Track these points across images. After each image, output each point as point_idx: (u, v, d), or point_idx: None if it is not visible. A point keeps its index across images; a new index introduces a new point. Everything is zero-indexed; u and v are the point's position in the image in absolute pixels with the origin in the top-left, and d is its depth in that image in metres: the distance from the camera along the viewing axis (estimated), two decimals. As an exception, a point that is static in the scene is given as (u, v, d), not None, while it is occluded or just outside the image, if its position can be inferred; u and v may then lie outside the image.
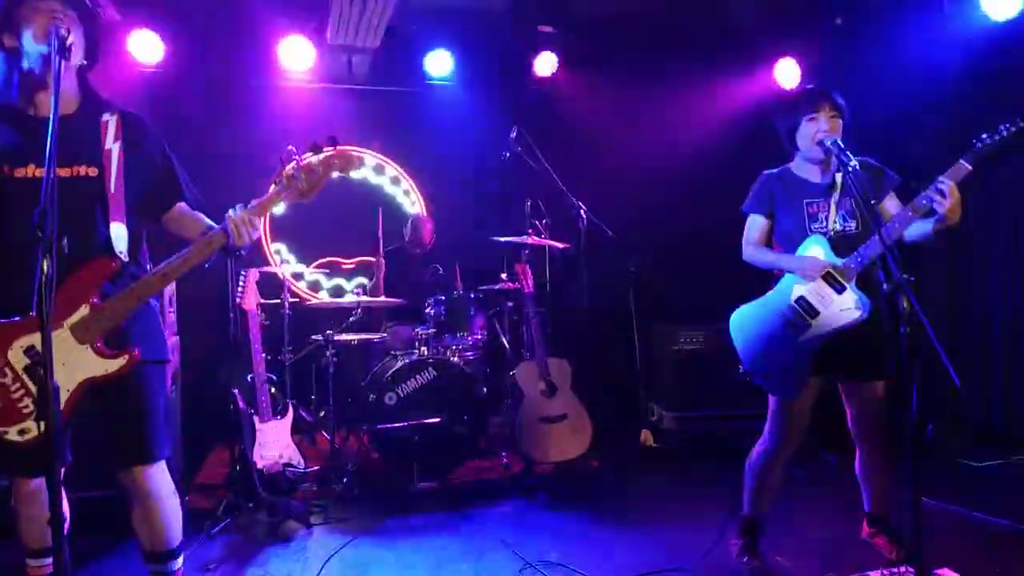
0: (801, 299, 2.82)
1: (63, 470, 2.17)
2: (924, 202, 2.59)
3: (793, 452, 2.99)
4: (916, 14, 4.96)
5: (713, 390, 5.08)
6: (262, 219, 2.27)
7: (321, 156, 2.27)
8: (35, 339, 2.04)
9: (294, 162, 2.25)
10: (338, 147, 2.31)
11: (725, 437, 4.94)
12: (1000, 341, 5.16)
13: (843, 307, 2.75)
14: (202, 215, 2.37)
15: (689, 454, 5.01)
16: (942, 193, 2.54)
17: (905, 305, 2.40)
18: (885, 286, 2.52)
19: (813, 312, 2.79)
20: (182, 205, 2.39)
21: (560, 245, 4.94)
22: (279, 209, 5.92)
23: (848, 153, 2.67)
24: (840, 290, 2.75)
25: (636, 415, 5.41)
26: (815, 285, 2.79)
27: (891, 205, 2.84)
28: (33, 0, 2.13)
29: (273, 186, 2.29)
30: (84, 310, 2.10)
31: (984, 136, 2.59)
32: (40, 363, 2.01)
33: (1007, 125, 2.57)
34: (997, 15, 4.52)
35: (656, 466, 4.85)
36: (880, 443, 2.90)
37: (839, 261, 2.77)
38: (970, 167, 2.58)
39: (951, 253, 5.42)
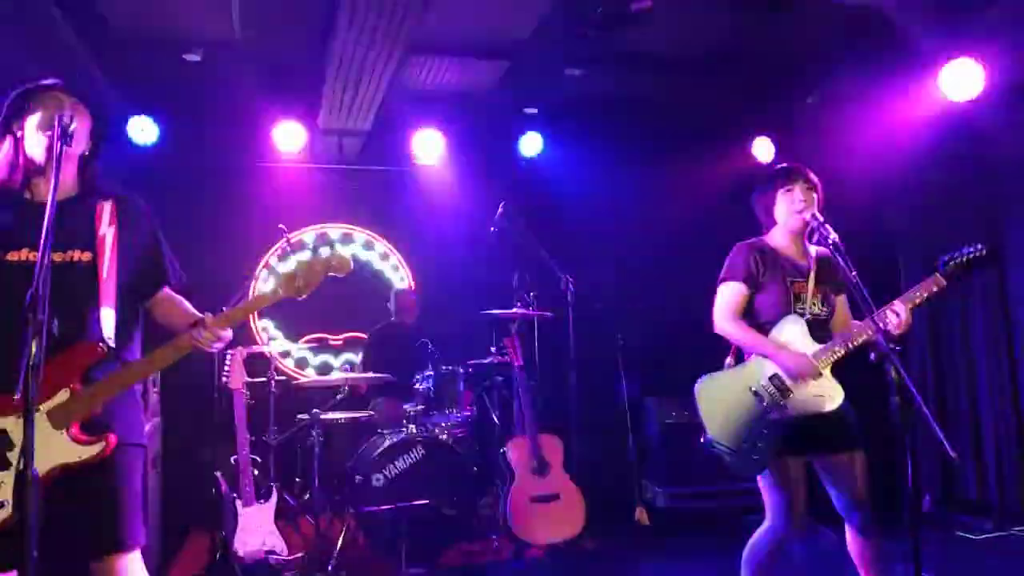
0: (775, 377, 2.80)
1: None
2: (880, 317, 2.63)
3: (791, 537, 2.90)
4: (883, 95, 5.15)
5: (706, 465, 4.99)
6: (251, 314, 2.28)
7: (322, 259, 2.31)
8: (7, 423, 2.00)
9: (283, 242, 2.28)
10: (336, 248, 2.36)
11: (721, 514, 4.85)
12: (989, 408, 5.15)
13: (816, 393, 2.75)
14: (186, 303, 2.37)
15: (685, 532, 4.91)
16: (896, 314, 2.65)
17: (894, 375, 2.42)
18: (871, 356, 2.55)
19: (785, 393, 2.77)
20: (167, 290, 2.38)
21: (548, 315, 4.94)
22: (267, 286, 5.94)
23: (828, 227, 2.72)
24: (816, 376, 2.75)
25: (629, 492, 5.31)
26: (808, 357, 2.78)
27: (843, 303, 2.96)
28: (43, 92, 2.21)
29: (263, 286, 2.30)
30: (64, 395, 2.06)
31: (950, 256, 2.70)
32: (8, 448, 1.99)
33: (968, 250, 2.68)
34: (958, 97, 4.72)
35: (651, 545, 4.73)
36: (867, 515, 2.81)
37: (814, 349, 2.77)
38: (945, 280, 2.70)
39: (933, 321, 5.47)
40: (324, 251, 2.30)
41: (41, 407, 2.03)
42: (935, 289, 2.71)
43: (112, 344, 2.15)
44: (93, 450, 2.06)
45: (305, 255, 2.31)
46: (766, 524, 2.93)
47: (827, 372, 2.76)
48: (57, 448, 2.03)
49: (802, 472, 2.87)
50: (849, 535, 2.89)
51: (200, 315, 2.27)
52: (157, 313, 2.37)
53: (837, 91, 5.41)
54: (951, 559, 4.09)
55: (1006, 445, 4.99)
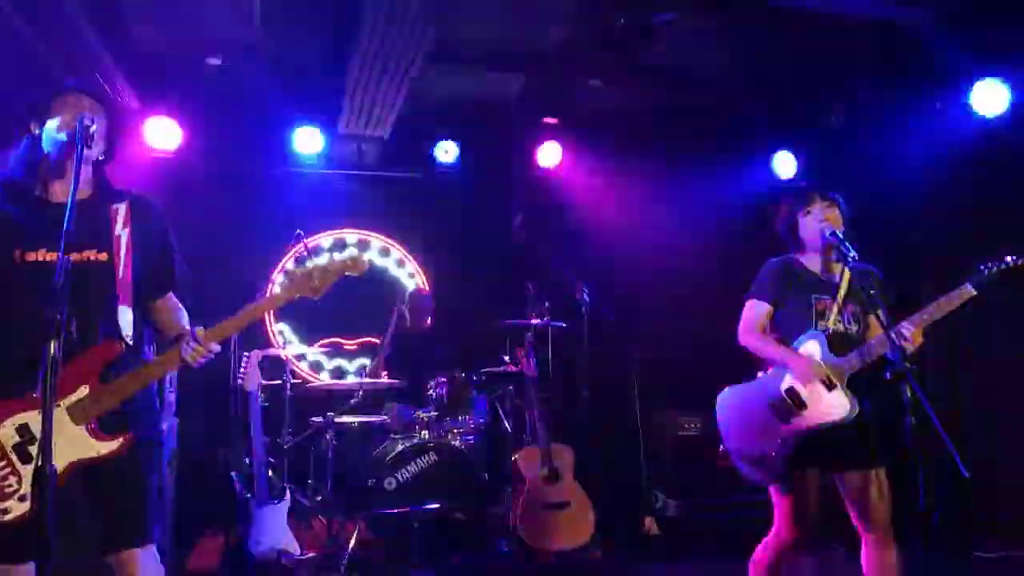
0: (791, 390, 2.83)
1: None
2: (892, 336, 2.64)
3: (802, 550, 2.92)
4: (910, 110, 5.12)
5: (716, 477, 4.98)
6: (266, 313, 2.30)
7: (337, 260, 2.33)
8: (29, 417, 2.04)
9: (300, 247, 2.30)
10: (351, 248, 2.37)
11: (730, 525, 4.82)
12: (1007, 426, 5.08)
13: (831, 406, 2.76)
14: (183, 316, 2.40)
15: (693, 542, 4.87)
16: (904, 337, 2.65)
17: (909, 394, 2.41)
18: (887, 374, 2.55)
19: (801, 405, 2.80)
20: (171, 296, 2.42)
21: (562, 325, 4.95)
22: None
23: (847, 245, 2.75)
24: (830, 388, 2.77)
25: (639, 502, 5.29)
26: (818, 362, 2.80)
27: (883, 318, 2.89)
28: (66, 93, 2.25)
29: (275, 288, 2.32)
30: (84, 391, 2.11)
31: (991, 263, 2.70)
32: (30, 442, 2.03)
33: (1017, 257, 2.69)
34: (986, 112, 4.68)
35: (660, 555, 4.72)
36: (885, 534, 2.81)
37: (834, 361, 2.78)
38: (974, 291, 2.69)
39: (952, 337, 5.41)
40: (342, 253, 2.30)
41: (61, 403, 2.08)
42: (958, 302, 2.69)
43: (130, 342, 2.19)
44: (111, 446, 2.11)
45: (322, 258, 2.33)
46: (773, 532, 2.94)
47: (841, 385, 2.76)
48: (76, 443, 2.08)
49: (815, 484, 2.87)
50: (864, 551, 2.87)
51: (187, 329, 2.28)
52: (158, 318, 2.40)
53: (862, 107, 5.38)
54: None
55: (1020, 465, 4.93)
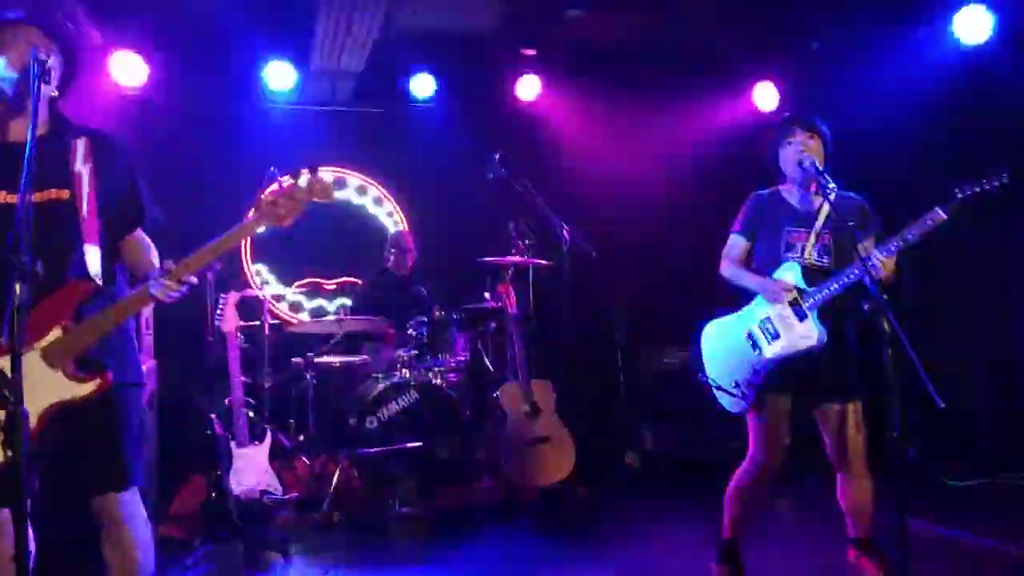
0: (767, 319, 2.90)
1: (29, 501, 2.13)
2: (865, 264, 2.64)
3: (774, 475, 2.98)
4: (891, 39, 5.05)
5: (697, 411, 5.06)
6: (240, 241, 2.23)
7: (302, 183, 2.23)
8: (1, 363, 1.99)
9: (275, 185, 2.21)
10: (318, 172, 2.27)
11: (711, 458, 4.91)
12: (983, 357, 5.19)
13: (802, 334, 2.82)
14: (154, 252, 2.33)
15: (674, 476, 4.98)
16: (874, 266, 2.64)
17: (886, 326, 2.43)
18: (865, 306, 2.57)
19: (775, 334, 2.87)
20: (139, 233, 2.34)
21: (543, 263, 4.92)
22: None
23: (826, 176, 2.74)
24: (802, 317, 2.81)
25: (621, 437, 5.38)
26: (780, 309, 2.87)
27: (869, 248, 2.88)
28: (12, 27, 2.12)
29: (251, 212, 2.23)
30: (57, 332, 2.06)
31: (965, 187, 2.66)
32: (4, 386, 1.97)
33: (991, 180, 2.63)
34: (969, 40, 4.62)
35: (641, 489, 4.82)
36: (860, 467, 2.88)
37: (807, 291, 2.82)
38: (945, 215, 2.66)
39: (929, 269, 5.46)
40: (304, 177, 2.20)
41: (36, 346, 2.03)
42: (931, 226, 2.66)
43: (99, 281, 2.13)
44: (89, 387, 2.06)
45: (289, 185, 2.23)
46: (747, 458, 3.01)
47: (813, 315, 2.80)
48: (53, 386, 2.04)
49: (786, 410, 2.93)
50: (840, 485, 2.94)
51: (155, 266, 2.22)
52: (127, 255, 2.33)
53: (844, 35, 5.29)
54: (938, 507, 4.16)
55: (996, 394, 5.06)
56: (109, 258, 2.23)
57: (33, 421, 1.97)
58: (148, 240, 2.35)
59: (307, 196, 2.22)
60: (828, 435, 2.91)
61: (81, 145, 2.21)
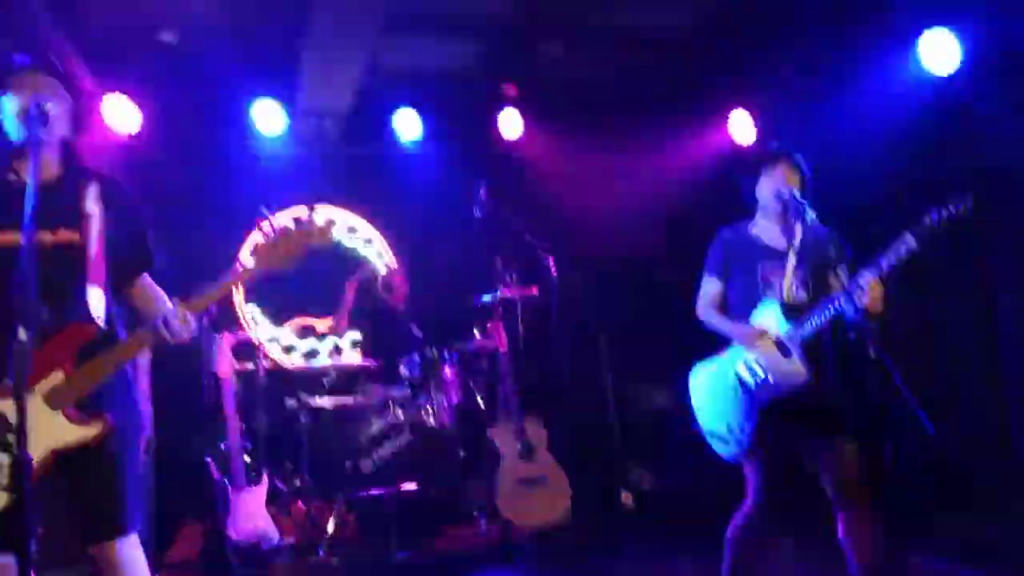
0: (752, 360, 2.87)
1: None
2: (850, 292, 2.61)
3: (772, 516, 2.94)
4: (863, 66, 5.14)
5: (691, 450, 5.05)
6: (237, 287, 2.27)
7: (302, 228, 2.28)
8: (4, 406, 1.98)
9: (271, 232, 2.25)
10: (313, 214, 2.32)
11: (706, 497, 4.89)
12: (969, 382, 5.21)
13: (788, 374, 2.78)
14: (162, 295, 2.36)
15: (670, 515, 4.92)
16: (861, 288, 2.60)
17: (872, 354, 2.44)
18: (851, 335, 2.58)
19: (763, 375, 2.83)
20: (146, 278, 2.38)
21: (531, 292, 4.93)
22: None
23: (806, 206, 2.74)
24: (788, 354, 2.79)
25: (615, 476, 5.34)
26: (763, 349, 2.83)
27: (836, 282, 2.86)
28: (20, 73, 2.18)
29: (249, 262, 2.27)
30: (59, 375, 2.07)
31: (932, 212, 2.61)
32: (7, 431, 1.97)
33: (956, 204, 2.59)
34: (939, 70, 4.73)
35: (637, 528, 4.76)
36: (860, 502, 2.82)
37: (784, 329, 2.79)
38: (915, 241, 2.59)
39: (917, 297, 5.52)
40: (302, 217, 2.26)
41: (36, 389, 2.03)
42: (904, 251, 2.59)
43: (102, 324, 2.14)
44: (90, 431, 2.06)
45: (288, 230, 2.28)
46: (746, 504, 2.97)
47: (796, 352, 2.76)
48: (54, 430, 2.04)
49: (783, 454, 2.90)
50: (840, 520, 2.86)
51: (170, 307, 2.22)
52: (136, 298, 2.36)
53: (815, 62, 5.40)
54: (935, 541, 4.12)
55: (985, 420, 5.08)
56: (115, 302, 2.25)
57: (35, 465, 1.96)
58: (158, 288, 2.38)
59: (305, 240, 2.27)
60: (825, 473, 2.85)
61: (92, 188, 2.25)
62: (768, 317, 2.86)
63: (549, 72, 5.70)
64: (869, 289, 2.61)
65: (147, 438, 3.81)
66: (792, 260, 2.90)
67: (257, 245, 2.25)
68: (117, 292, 2.30)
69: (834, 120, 5.27)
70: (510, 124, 5.99)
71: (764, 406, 2.82)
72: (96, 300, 2.15)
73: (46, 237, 2.12)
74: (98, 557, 2.15)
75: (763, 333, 2.82)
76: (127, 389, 2.30)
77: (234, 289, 5.68)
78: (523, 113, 6.02)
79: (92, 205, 2.22)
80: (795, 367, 2.77)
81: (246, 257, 5.53)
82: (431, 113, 5.91)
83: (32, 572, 2.06)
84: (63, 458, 2.05)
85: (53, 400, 2.05)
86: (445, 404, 4.82)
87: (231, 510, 3.70)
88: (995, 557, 3.69)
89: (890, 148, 5.20)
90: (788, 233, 2.97)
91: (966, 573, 3.61)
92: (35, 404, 2.02)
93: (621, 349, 5.66)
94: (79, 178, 2.27)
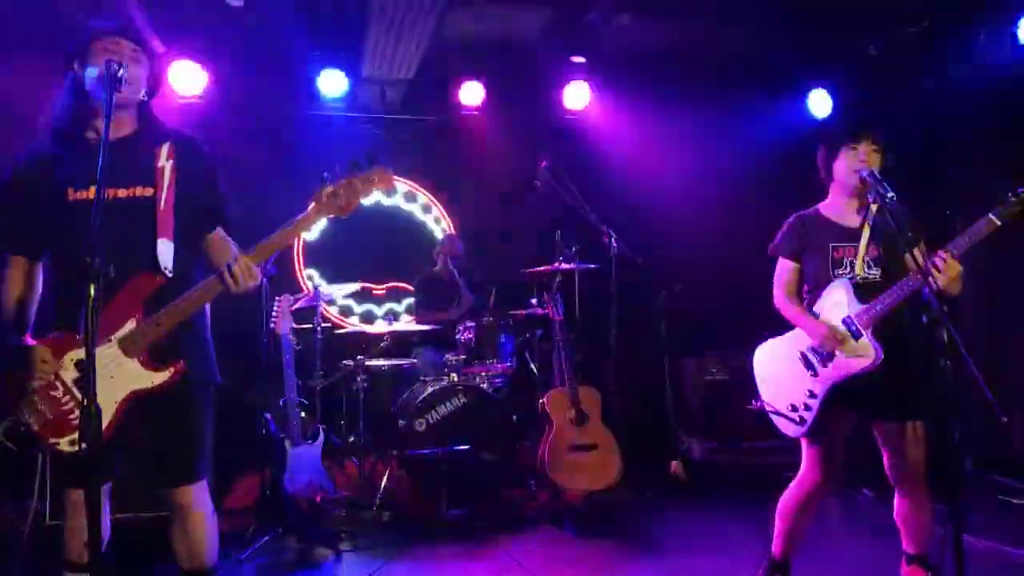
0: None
1: (107, 485, 2.26)
2: (925, 273, 2.54)
3: (827, 491, 2.95)
4: (950, 45, 4.92)
5: (743, 420, 5.00)
6: (297, 237, 2.32)
7: (362, 174, 2.31)
8: (84, 354, 2.09)
9: (334, 183, 2.29)
10: (377, 166, 2.35)
11: (756, 468, 4.86)
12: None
13: (858, 354, 2.75)
14: (233, 245, 2.42)
15: (719, 485, 4.93)
16: (937, 268, 2.55)
17: (945, 338, 2.37)
18: (924, 317, 2.51)
19: (829, 355, 2.81)
20: (220, 231, 2.44)
21: (590, 266, 4.92)
22: (311, 235, 6.02)
23: (886, 185, 2.65)
24: (857, 336, 2.75)
25: (667, 445, 5.35)
26: (834, 328, 2.80)
27: (920, 257, 2.80)
28: (103, 37, 2.26)
29: (311, 204, 2.32)
30: (131, 324, 2.18)
31: (1020, 190, 2.57)
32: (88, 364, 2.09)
33: None
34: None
35: (685, 497, 4.77)
36: (919, 486, 2.81)
37: (858, 309, 2.76)
38: (998, 222, 2.57)
39: (989, 279, 5.30)
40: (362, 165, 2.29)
41: (112, 338, 2.16)
42: (985, 232, 2.59)
43: (170, 274, 2.23)
44: (164, 376, 2.18)
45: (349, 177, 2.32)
46: (800, 474, 2.97)
47: (867, 333, 2.74)
48: (132, 375, 2.17)
49: (844, 433, 2.89)
50: (897, 499, 2.88)
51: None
52: (211, 252, 2.43)
53: (901, 40, 5.17)
54: (993, 522, 4.05)
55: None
56: (186, 253, 2.33)
57: (112, 411, 2.13)
58: (228, 239, 2.44)
59: (367, 185, 2.30)
60: (887, 452, 2.84)
61: (166, 145, 2.34)
62: (839, 296, 2.83)
63: (617, 41, 5.57)
64: (947, 268, 2.56)
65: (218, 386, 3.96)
66: (865, 237, 2.85)
67: (319, 194, 2.28)
68: (191, 245, 2.38)
69: (916, 97, 5.04)
70: (576, 95, 5.91)
71: (831, 387, 2.79)
72: (165, 251, 2.24)
73: (120, 192, 2.23)
74: (170, 500, 2.31)
75: (833, 331, 2.78)
76: (201, 339, 2.42)
77: (296, 250, 5.88)
78: (590, 83, 5.93)
79: (165, 161, 2.31)
80: (864, 348, 2.73)
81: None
82: (495, 82, 5.88)
83: (108, 513, 2.22)
84: (141, 404, 2.17)
85: (128, 348, 2.17)
86: (499, 369, 4.86)
87: (287, 463, 3.84)
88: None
89: (977, 132, 4.97)
90: (863, 211, 2.92)
91: (1020, 555, 3.52)
92: (111, 353, 2.15)
93: (679, 322, 5.60)
94: (153, 136, 2.37)
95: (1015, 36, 4.53)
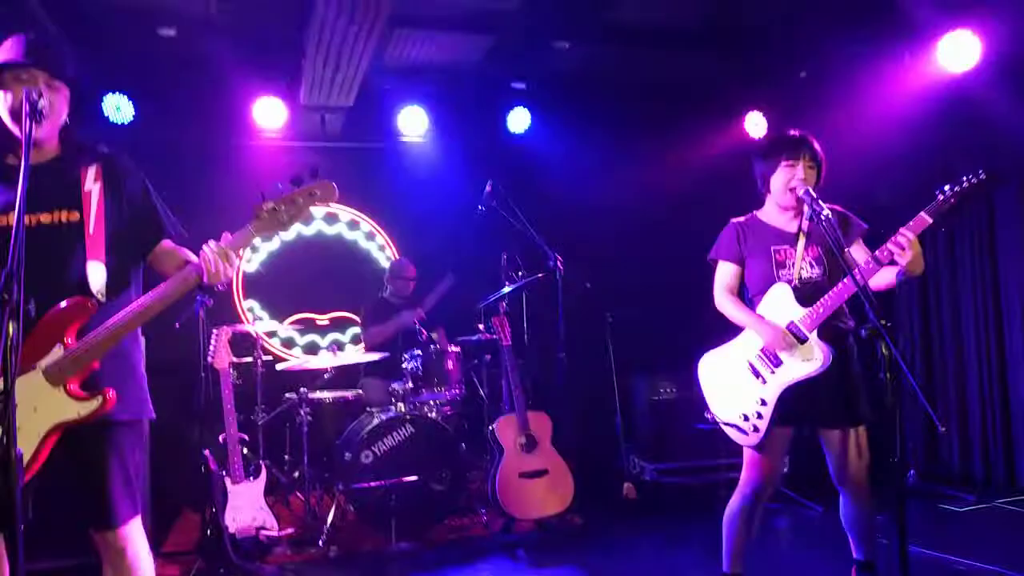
0: (766, 347, 2.86)
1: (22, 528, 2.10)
2: (886, 253, 2.66)
3: (766, 500, 2.97)
4: (878, 66, 5.11)
5: (693, 441, 5.04)
6: (239, 255, 2.25)
7: (303, 188, 2.26)
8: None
9: (275, 199, 2.23)
10: (320, 180, 2.29)
11: (708, 488, 4.89)
12: (976, 382, 5.19)
13: (805, 357, 2.78)
14: (186, 250, 2.33)
15: (672, 506, 4.94)
16: (901, 246, 2.61)
17: (883, 351, 2.42)
18: (863, 331, 2.56)
19: (777, 361, 2.83)
20: (168, 243, 2.36)
21: (537, 276, 4.89)
22: (250, 266, 5.88)
23: (820, 203, 2.71)
24: (803, 339, 2.79)
25: (617, 468, 5.34)
26: (779, 337, 2.82)
27: (858, 252, 2.88)
28: (15, 68, 2.18)
29: (253, 221, 2.24)
30: (58, 351, 2.07)
31: (945, 188, 2.67)
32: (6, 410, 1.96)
33: (968, 177, 2.65)
34: (955, 67, 4.68)
35: (638, 519, 4.75)
36: (863, 487, 2.86)
37: (801, 313, 2.79)
38: (930, 219, 2.67)
39: (923, 294, 5.49)
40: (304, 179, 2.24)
41: (37, 365, 2.05)
42: (918, 230, 2.66)
43: (103, 298, 2.14)
44: (92, 405, 2.06)
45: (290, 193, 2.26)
46: (741, 481, 2.98)
47: (814, 335, 2.78)
48: (57, 405, 2.04)
49: (786, 439, 2.92)
50: (841, 500, 2.93)
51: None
52: (157, 267, 2.35)
53: (831, 64, 5.37)
54: (936, 531, 4.14)
55: (991, 419, 5.05)
56: (122, 275, 2.26)
57: (35, 445, 2.00)
58: (184, 248, 2.34)
59: (308, 200, 2.24)
60: (832, 455, 2.89)
61: (93, 168, 2.27)
62: (781, 299, 2.86)
63: (558, 66, 5.64)
64: (910, 246, 2.61)
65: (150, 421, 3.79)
66: (802, 240, 2.90)
67: (258, 210, 2.20)
68: (129, 266, 2.30)
69: (847, 120, 5.22)
70: (518, 120, 5.96)
71: (780, 393, 2.81)
72: (96, 275, 2.15)
73: (43, 218, 2.16)
74: (100, 541, 2.17)
75: (784, 333, 2.80)
76: (134, 371, 2.30)
77: (234, 283, 5.73)
78: (531, 108, 5.99)
79: (92, 184, 2.23)
80: (811, 352, 2.76)
81: (244, 253, 5.52)
82: (436, 107, 5.88)
83: (19, 554, 2.07)
84: (66, 437, 2.05)
85: (54, 376, 2.05)
86: (447, 397, 4.80)
87: (229, 501, 3.69)
88: (995, 549, 3.68)
89: (906, 148, 5.17)
90: (798, 217, 2.98)
91: (965, 564, 3.60)
92: (36, 380, 2.03)
93: (626, 343, 5.64)
94: (80, 157, 2.29)
95: (933, 59, 4.74)
